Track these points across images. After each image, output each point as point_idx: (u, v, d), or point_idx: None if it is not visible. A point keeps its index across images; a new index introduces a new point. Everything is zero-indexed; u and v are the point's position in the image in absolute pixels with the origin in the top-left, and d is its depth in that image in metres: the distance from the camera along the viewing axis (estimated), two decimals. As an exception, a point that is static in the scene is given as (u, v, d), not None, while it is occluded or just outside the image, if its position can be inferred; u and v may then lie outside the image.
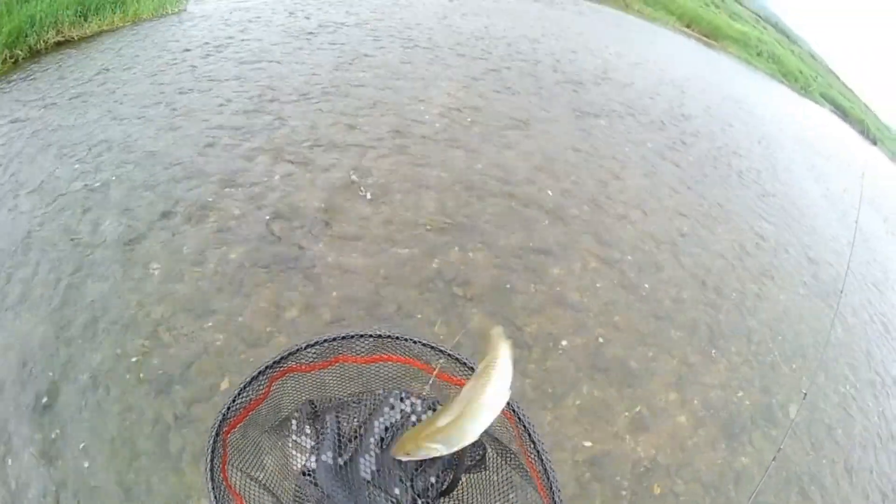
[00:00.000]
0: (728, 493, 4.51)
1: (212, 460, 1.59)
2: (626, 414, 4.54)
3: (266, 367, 1.74)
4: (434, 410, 1.85)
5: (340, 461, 1.75)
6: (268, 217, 5.30)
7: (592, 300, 5.41)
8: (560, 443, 4.15)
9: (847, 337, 7.41)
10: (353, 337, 1.83)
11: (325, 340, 1.80)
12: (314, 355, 1.84)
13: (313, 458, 1.75)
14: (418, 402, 1.88)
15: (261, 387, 1.76)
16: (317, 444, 1.80)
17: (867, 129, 28.83)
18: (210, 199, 5.44)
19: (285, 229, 5.18)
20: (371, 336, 1.86)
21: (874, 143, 29.21)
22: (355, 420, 1.88)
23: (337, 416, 1.87)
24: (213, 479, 1.56)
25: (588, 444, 4.21)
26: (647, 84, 13.43)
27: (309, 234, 5.17)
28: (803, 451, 5.32)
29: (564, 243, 5.96)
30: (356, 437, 1.80)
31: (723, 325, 5.96)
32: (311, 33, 10.10)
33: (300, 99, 7.49)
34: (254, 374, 1.73)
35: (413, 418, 1.82)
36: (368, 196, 5.65)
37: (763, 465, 4.92)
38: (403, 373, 1.94)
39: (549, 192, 6.73)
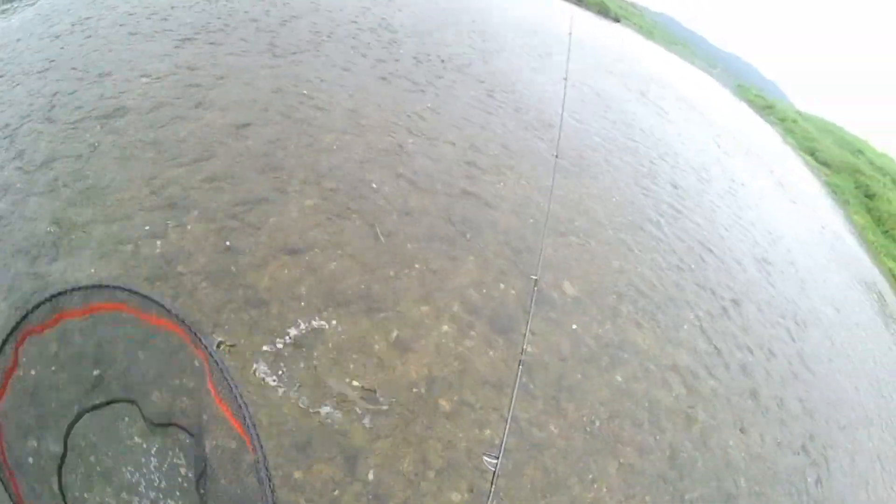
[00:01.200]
0: (526, 387, 4.85)
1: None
2: (384, 340, 4.69)
3: (8, 336, 2.10)
4: None
5: None
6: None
7: (317, 237, 5.45)
8: (327, 391, 4.18)
9: (600, 202, 8.45)
10: (66, 292, 2.19)
11: (46, 300, 2.15)
12: (43, 316, 2.16)
13: None
14: None
15: (8, 356, 2.12)
16: None
17: (606, 9, 32.52)
18: None
19: (24, 261, 4.71)
20: (82, 288, 2.23)
21: (617, 20, 33.13)
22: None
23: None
24: None
25: (356, 383, 4.31)
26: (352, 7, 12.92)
27: (45, 258, 4.73)
28: (596, 321, 5.94)
29: (277, 188, 5.91)
30: None
31: (460, 224, 6.34)
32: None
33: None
34: None
35: None
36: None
37: (555, 350, 5.40)
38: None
39: (254, 141, 6.59)
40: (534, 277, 4.25)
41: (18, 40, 8.14)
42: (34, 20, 8.86)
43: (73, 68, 7.32)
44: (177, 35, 8.77)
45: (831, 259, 13.36)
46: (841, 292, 11.70)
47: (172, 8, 9.81)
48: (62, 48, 7.95)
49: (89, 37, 8.34)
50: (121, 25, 8.86)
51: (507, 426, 2.72)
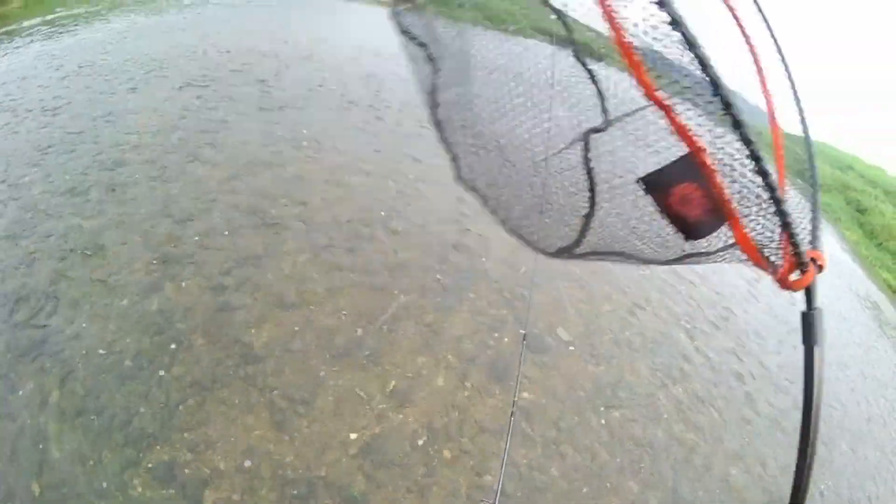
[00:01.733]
0: (525, 432, 5.00)
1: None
2: (382, 392, 4.86)
3: None
4: None
5: None
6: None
7: (312, 292, 5.66)
8: (327, 444, 4.33)
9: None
10: None
11: None
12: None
13: None
14: None
15: None
16: None
17: (591, 49, 33.21)
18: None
19: (24, 313, 4.87)
20: None
21: (600, 59, 33.83)
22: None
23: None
24: None
25: (354, 435, 4.45)
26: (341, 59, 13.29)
27: (43, 312, 4.90)
28: (591, 363, 6.07)
29: (270, 245, 6.13)
30: None
31: (451, 275, 6.54)
32: None
33: None
34: None
35: None
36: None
37: (552, 394, 5.52)
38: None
39: (246, 196, 6.81)
40: (522, 332, 4.39)
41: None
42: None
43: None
44: (171, 84, 9.12)
45: (824, 274, 13.42)
46: (836, 304, 11.77)
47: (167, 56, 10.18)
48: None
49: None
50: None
51: (503, 471, 2.88)
